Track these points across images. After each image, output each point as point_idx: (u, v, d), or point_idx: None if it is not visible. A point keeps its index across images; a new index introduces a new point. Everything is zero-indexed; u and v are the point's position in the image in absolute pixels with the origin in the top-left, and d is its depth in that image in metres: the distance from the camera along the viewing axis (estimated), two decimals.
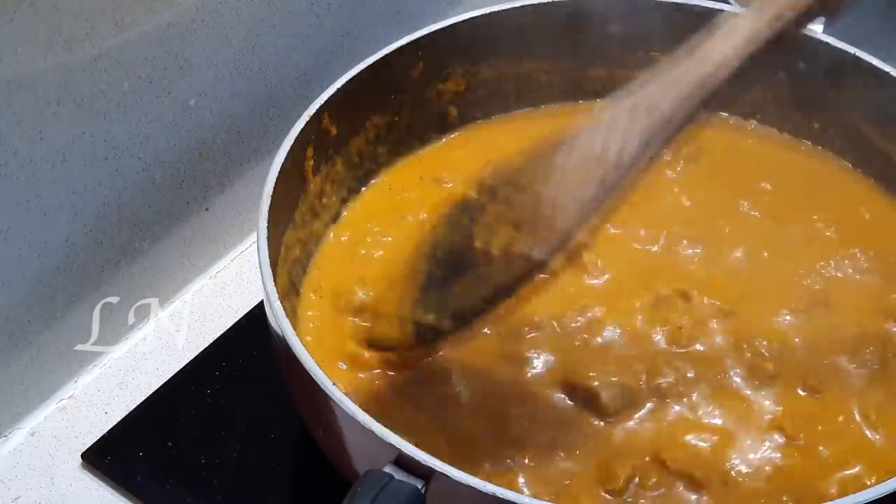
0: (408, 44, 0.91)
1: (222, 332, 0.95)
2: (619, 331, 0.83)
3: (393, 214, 0.92)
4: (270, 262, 0.76)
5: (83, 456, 0.88)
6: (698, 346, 0.82)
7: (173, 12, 0.87)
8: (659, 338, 0.83)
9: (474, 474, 0.65)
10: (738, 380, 0.80)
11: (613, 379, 0.79)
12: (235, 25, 0.93)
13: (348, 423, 0.68)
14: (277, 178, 0.80)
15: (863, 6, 1.10)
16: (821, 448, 0.77)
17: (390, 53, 0.90)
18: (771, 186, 0.94)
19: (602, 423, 0.78)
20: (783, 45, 0.67)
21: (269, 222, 0.78)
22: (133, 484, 0.86)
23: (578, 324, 0.83)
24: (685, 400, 0.79)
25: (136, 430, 0.89)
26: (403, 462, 0.66)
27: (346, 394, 0.69)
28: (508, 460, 0.76)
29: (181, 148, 0.94)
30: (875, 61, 0.90)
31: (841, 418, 0.79)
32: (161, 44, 0.87)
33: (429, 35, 0.92)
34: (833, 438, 0.78)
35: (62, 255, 0.87)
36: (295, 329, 0.73)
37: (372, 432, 0.67)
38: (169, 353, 0.95)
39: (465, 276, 0.72)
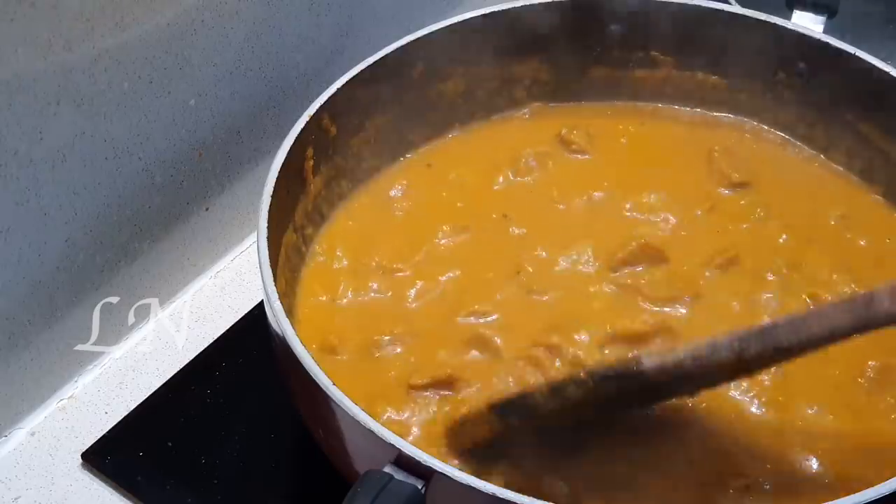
0: (408, 44, 0.91)
1: (222, 332, 0.95)
2: None
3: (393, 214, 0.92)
4: (270, 262, 0.76)
5: (83, 456, 0.88)
6: None
7: (173, 12, 0.87)
8: None
9: None
10: None
11: None
12: (235, 25, 0.93)
13: (348, 423, 0.68)
14: (277, 178, 0.80)
15: (863, 6, 1.11)
16: None
17: (390, 53, 0.90)
18: (770, 185, 0.94)
19: None
20: None
21: (269, 222, 0.78)
22: (133, 484, 0.86)
23: None
24: None
25: (136, 430, 0.89)
26: (403, 462, 0.66)
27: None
28: None
29: (181, 148, 0.93)
30: (875, 61, 0.90)
31: None
32: (161, 44, 0.87)
33: (429, 35, 0.92)
34: None
35: (62, 255, 0.87)
36: (295, 329, 0.73)
37: (372, 432, 0.67)
38: (169, 353, 0.95)
39: None
